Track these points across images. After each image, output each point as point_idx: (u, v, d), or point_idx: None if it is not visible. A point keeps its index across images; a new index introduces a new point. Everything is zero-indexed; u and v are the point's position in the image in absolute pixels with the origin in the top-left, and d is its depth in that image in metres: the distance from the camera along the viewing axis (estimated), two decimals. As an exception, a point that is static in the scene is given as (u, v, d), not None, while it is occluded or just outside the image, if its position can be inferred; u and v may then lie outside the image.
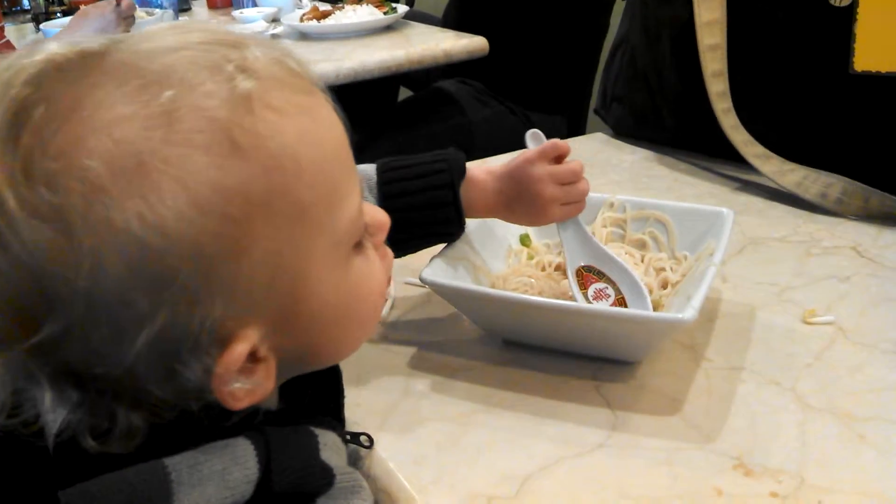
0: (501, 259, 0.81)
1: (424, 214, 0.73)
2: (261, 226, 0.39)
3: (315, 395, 0.53)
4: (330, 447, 0.47)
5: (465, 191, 0.74)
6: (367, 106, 2.02)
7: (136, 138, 0.37)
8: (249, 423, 0.43)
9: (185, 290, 0.38)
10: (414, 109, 1.98)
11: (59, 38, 0.47)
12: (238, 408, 0.41)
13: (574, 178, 0.76)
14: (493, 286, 0.77)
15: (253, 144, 0.39)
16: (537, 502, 0.57)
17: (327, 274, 0.44)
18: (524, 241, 0.84)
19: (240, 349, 0.40)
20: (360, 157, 1.84)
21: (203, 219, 0.37)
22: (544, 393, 0.68)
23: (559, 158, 0.76)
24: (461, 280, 0.73)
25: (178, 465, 0.41)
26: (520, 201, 0.75)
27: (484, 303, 0.72)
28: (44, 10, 2.11)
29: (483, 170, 0.77)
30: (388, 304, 0.82)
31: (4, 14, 2.05)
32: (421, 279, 0.71)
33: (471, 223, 0.80)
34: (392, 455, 0.63)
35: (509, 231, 0.83)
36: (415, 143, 1.83)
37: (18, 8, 2.32)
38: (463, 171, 0.75)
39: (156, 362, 0.39)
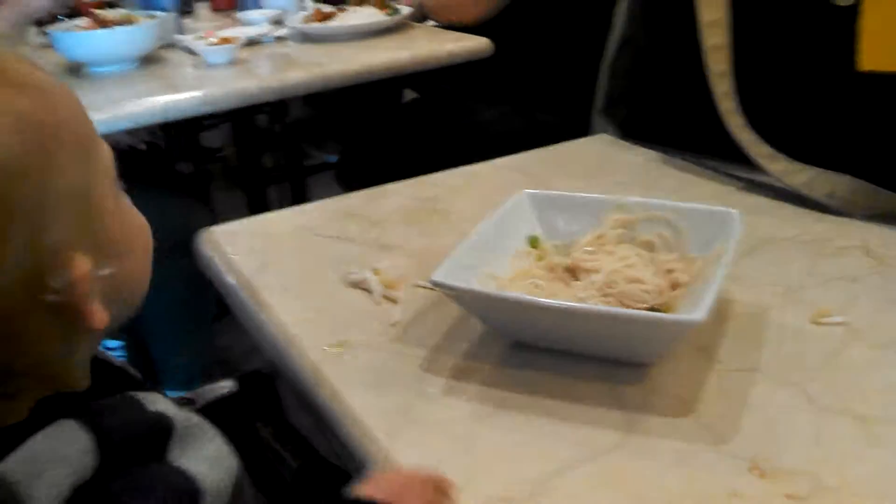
0: (510, 261, 0.81)
1: None
2: (59, 155, 0.46)
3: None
4: (158, 402, 0.50)
5: None
6: (372, 108, 2.03)
7: None
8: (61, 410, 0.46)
9: (25, 214, 0.44)
10: (419, 111, 1.99)
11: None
12: (98, 325, 0.47)
13: None
14: (502, 288, 0.77)
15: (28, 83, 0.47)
16: (552, 505, 0.58)
17: (114, 205, 0.51)
18: (533, 242, 0.84)
19: (83, 266, 0.46)
20: (368, 161, 1.85)
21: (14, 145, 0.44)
22: (557, 395, 0.68)
23: None
24: (471, 282, 0.73)
25: (14, 469, 0.43)
26: None
27: (493, 305, 0.72)
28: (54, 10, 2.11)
29: None
30: (399, 307, 0.82)
31: (8, 18, 2.05)
32: (431, 282, 0.71)
33: (481, 226, 0.80)
34: (406, 458, 0.63)
35: (518, 232, 0.84)
36: (421, 145, 1.83)
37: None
38: None
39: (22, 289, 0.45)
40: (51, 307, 0.46)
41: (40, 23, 2.00)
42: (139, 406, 0.49)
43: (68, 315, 0.46)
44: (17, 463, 0.43)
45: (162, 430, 0.48)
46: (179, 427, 0.49)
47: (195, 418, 0.50)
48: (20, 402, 0.47)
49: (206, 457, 0.48)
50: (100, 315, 0.47)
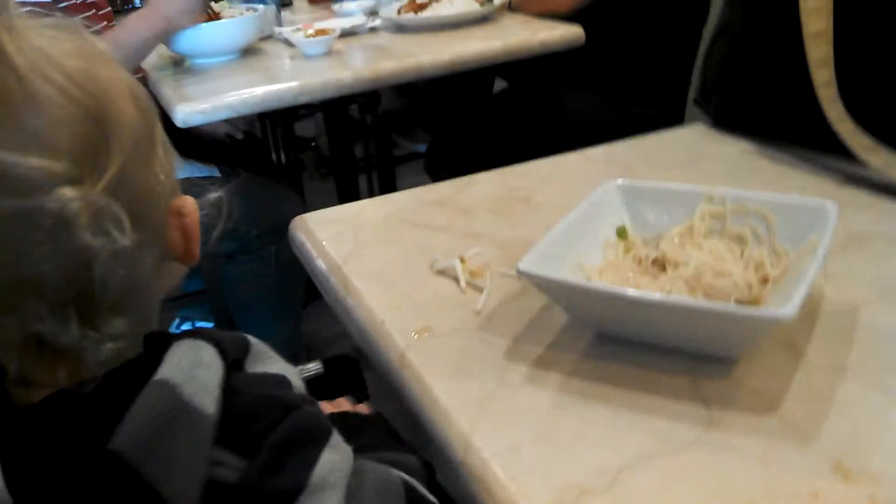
0: (598, 252, 0.81)
1: None
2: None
3: None
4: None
5: None
6: (463, 98, 2.04)
7: None
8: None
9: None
10: (509, 101, 1.99)
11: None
12: (194, 259, 0.61)
13: None
14: (588, 279, 0.78)
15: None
16: (630, 496, 0.58)
17: None
18: (621, 233, 0.84)
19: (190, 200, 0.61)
20: (457, 150, 1.87)
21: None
22: (638, 387, 0.68)
23: None
24: (557, 272, 0.74)
25: (172, 375, 0.52)
26: None
27: (579, 295, 0.73)
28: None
29: None
30: (484, 296, 0.83)
31: (117, 12, 2.15)
32: (517, 271, 0.72)
33: (568, 216, 0.80)
34: (487, 444, 0.64)
35: (606, 223, 0.83)
36: (511, 135, 1.84)
37: (130, 6, 2.43)
38: None
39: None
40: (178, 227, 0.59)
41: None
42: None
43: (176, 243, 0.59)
44: (171, 370, 0.52)
45: (246, 347, 0.59)
46: (253, 348, 0.60)
47: (262, 345, 0.61)
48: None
49: (282, 368, 0.60)
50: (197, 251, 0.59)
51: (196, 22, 1.70)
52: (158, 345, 0.55)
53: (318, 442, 0.56)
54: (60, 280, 0.49)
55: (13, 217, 0.47)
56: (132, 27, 1.63)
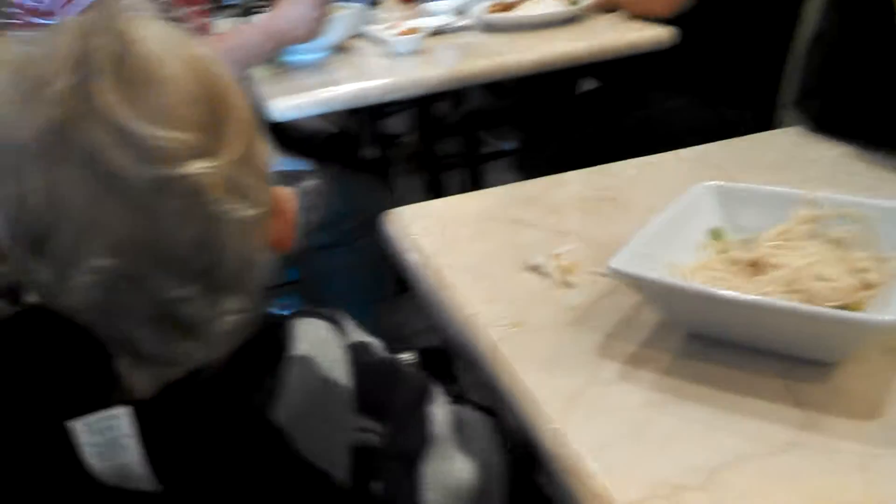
0: (692, 252, 0.81)
1: None
2: None
3: None
4: None
5: None
6: (552, 97, 2.04)
7: None
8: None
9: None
10: (596, 101, 1.98)
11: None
12: (289, 244, 0.61)
13: None
14: (681, 279, 0.77)
15: None
16: (725, 496, 0.58)
17: None
18: (716, 235, 0.83)
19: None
20: (546, 149, 1.86)
21: None
22: (733, 388, 0.68)
23: None
24: (650, 271, 0.74)
25: (307, 349, 0.56)
26: None
27: (672, 295, 0.73)
28: (252, 4, 2.26)
29: None
30: (576, 292, 0.84)
31: (216, 9, 2.21)
32: (609, 269, 0.72)
33: (661, 216, 0.80)
34: (578, 439, 0.65)
35: (699, 224, 0.83)
36: (596, 136, 1.83)
37: (229, 2, 2.49)
38: None
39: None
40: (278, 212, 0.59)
41: (245, 12, 2.15)
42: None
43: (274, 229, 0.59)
44: (306, 346, 0.56)
45: (340, 321, 0.64)
46: (344, 322, 0.65)
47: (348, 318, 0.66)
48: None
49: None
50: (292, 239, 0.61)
51: (311, 39, 1.71)
52: (273, 324, 0.58)
53: (430, 399, 0.61)
54: (191, 249, 0.51)
55: (152, 185, 0.49)
56: (247, 38, 1.65)
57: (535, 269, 0.89)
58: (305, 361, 0.55)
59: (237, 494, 0.53)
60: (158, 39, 0.53)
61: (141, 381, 0.54)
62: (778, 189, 0.84)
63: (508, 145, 2.21)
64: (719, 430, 0.64)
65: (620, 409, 0.68)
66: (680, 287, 0.72)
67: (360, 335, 0.65)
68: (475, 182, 2.29)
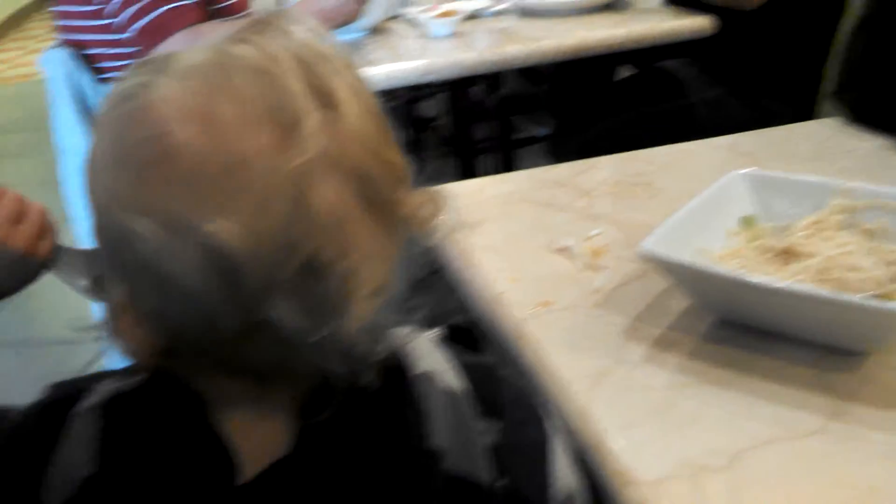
0: (721, 239, 0.81)
1: None
2: None
3: None
4: None
5: None
6: (587, 83, 2.03)
7: None
8: None
9: None
10: (633, 89, 1.97)
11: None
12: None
13: (20, 208, 0.70)
14: (712, 265, 0.77)
15: None
16: (748, 478, 0.58)
17: None
18: (747, 222, 0.83)
19: None
20: (574, 138, 1.85)
21: None
22: (760, 374, 0.68)
23: None
24: (680, 255, 0.74)
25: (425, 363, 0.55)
26: None
27: (703, 279, 0.72)
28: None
29: None
30: (603, 275, 0.84)
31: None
32: (640, 252, 0.72)
33: (693, 202, 0.80)
34: (603, 418, 0.65)
35: (731, 212, 0.83)
36: (633, 124, 1.82)
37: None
38: None
39: None
40: None
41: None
42: None
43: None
44: (420, 359, 0.54)
45: None
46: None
47: None
48: None
49: None
50: None
51: (350, 22, 1.72)
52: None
53: (531, 391, 0.60)
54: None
55: (399, 209, 0.46)
56: None
57: (563, 251, 0.89)
58: (428, 377, 0.53)
59: None
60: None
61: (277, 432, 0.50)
62: (812, 178, 0.83)
63: (542, 131, 2.21)
64: (744, 415, 0.64)
65: (645, 390, 0.68)
66: (710, 272, 0.72)
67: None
68: (507, 167, 2.28)
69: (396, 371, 0.53)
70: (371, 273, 0.45)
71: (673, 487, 0.58)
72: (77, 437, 0.52)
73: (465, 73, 1.70)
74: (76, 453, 0.52)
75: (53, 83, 1.58)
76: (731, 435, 0.62)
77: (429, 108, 2.92)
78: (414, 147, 2.35)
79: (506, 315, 0.81)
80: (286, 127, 0.43)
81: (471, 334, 0.96)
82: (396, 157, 0.47)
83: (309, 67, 0.45)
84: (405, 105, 2.29)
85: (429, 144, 2.69)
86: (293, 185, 0.43)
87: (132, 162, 0.44)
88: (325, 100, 0.45)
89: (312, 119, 0.44)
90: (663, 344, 0.73)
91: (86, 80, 1.57)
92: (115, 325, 0.48)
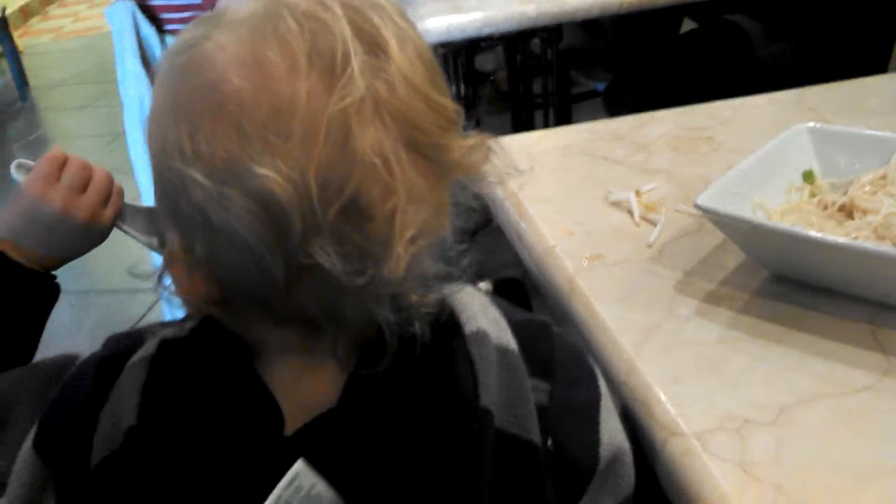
0: (780, 194, 0.80)
1: None
2: None
3: None
4: None
5: None
6: (649, 37, 1.99)
7: None
8: None
9: None
10: (698, 42, 1.92)
11: None
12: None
13: (86, 175, 0.70)
14: (769, 220, 0.76)
15: None
16: (794, 432, 0.58)
17: None
18: (807, 177, 0.81)
19: None
20: (639, 89, 1.81)
21: None
22: (812, 330, 0.67)
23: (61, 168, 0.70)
24: (737, 210, 0.73)
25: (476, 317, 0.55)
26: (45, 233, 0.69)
27: (759, 234, 0.72)
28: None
29: None
30: (657, 229, 0.83)
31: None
32: (696, 205, 0.71)
33: (753, 156, 0.78)
34: (651, 370, 0.65)
35: (791, 166, 0.81)
36: (695, 78, 1.78)
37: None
38: None
39: None
40: None
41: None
42: None
43: None
44: (473, 316, 0.54)
45: None
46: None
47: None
48: None
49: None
50: None
51: None
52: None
53: (584, 352, 0.60)
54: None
55: (448, 152, 0.46)
56: None
57: (617, 204, 0.89)
58: (482, 336, 0.53)
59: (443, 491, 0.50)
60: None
61: (326, 381, 0.51)
62: (876, 133, 0.81)
63: (601, 86, 2.17)
64: (794, 370, 0.63)
65: (695, 344, 0.68)
66: (766, 226, 0.71)
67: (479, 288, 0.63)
68: (564, 122, 2.26)
69: (449, 328, 0.53)
70: (415, 216, 0.45)
71: (718, 440, 0.58)
72: (124, 390, 0.54)
73: (524, 25, 1.68)
74: (122, 405, 0.53)
75: (118, 35, 1.61)
76: (779, 390, 0.61)
77: (486, 61, 2.89)
78: (470, 101, 2.34)
79: (558, 268, 0.81)
80: (332, 70, 0.44)
81: (521, 287, 0.97)
82: (446, 101, 0.47)
83: (357, 13, 0.45)
84: (462, 58, 2.27)
85: (485, 99, 2.68)
86: (338, 126, 0.43)
87: (186, 111, 0.45)
88: (373, 44, 0.45)
89: (358, 62, 0.44)
90: (715, 298, 0.73)
91: (149, 32, 1.60)
92: (169, 274, 0.49)
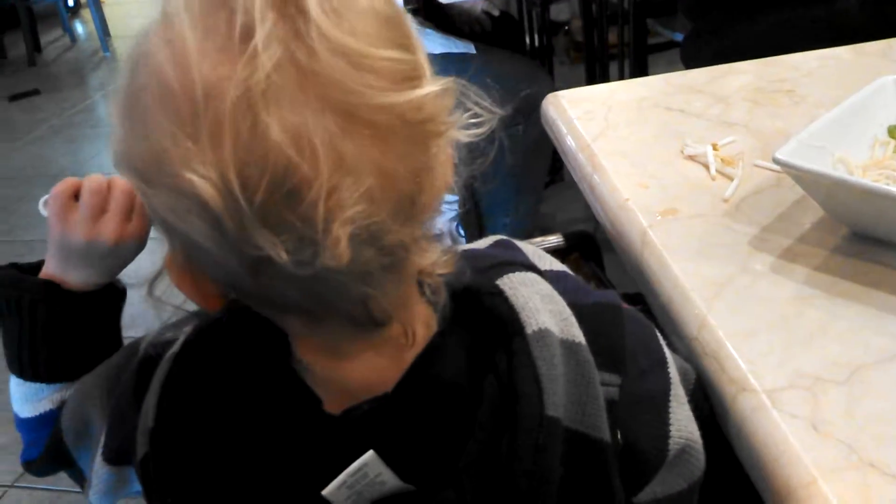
0: (864, 149, 0.77)
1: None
2: None
3: None
4: None
5: None
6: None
7: None
8: None
9: None
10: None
11: None
12: None
13: (101, 197, 0.68)
14: (851, 175, 0.74)
15: None
16: (866, 392, 0.57)
17: None
18: (892, 132, 0.78)
19: None
20: (711, 44, 1.74)
21: None
22: (891, 290, 0.66)
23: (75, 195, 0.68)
24: (818, 165, 0.71)
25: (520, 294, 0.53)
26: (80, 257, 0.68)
27: (839, 190, 0.70)
28: None
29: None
30: (734, 184, 0.82)
31: None
32: (774, 159, 0.70)
33: (836, 109, 0.76)
34: (723, 325, 0.65)
35: (876, 120, 0.79)
36: (778, 29, 1.72)
37: None
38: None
39: None
40: None
41: None
42: None
43: None
44: (533, 314, 0.52)
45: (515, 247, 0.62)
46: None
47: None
48: None
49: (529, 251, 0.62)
50: None
51: None
52: (487, 293, 0.53)
53: (657, 335, 0.58)
54: (412, 185, 0.44)
55: (393, 112, 0.42)
56: None
57: (693, 157, 0.88)
58: (545, 335, 0.50)
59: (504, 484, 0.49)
60: None
61: (376, 367, 0.50)
62: (971, 86, 0.78)
63: (679, 36, 2.12)
64: (869, 329, 0.62)
65: (769, 301, 0.67)
66: (847, 182, 0.69)
67: (545, 259, 0.60)
68: (640, 74, 2.22)
69: (509, 329, 0.51)
70: (353, 192, 0.40)
71: (788, 397, 0.58)
72: (151, 390, 0.55)
73: (601, -27, 1.65)
74: (148, 407, 0.55)
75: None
76: (854, 349, 0.61)
77: (560, 11, 2.84)
78: (544, 52, 2.30)
79: (631, 221, 0.81)
80: (237, 42, 0.38)
81: (592, 242, 0.97)
82: (393, 53, 0.41)
83: None
84: (537, 8, 2.24)
85: (559, 50, 2.64)
86: (241, 115, 0.38)
87: (118, 110, 0.43)
88: (287, 3, 0.39)
89: (264, 32, 0.38)
90: (791, 255, 0.71)
91: None
92: (173, 280, 0.47)
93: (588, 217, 0.94)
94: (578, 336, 0.52)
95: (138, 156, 0.42)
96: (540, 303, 0.52)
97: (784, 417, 0.57)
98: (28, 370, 0.69)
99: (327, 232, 0.40)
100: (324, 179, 0.39)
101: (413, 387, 0.50)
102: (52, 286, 0.68)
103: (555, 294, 0.54)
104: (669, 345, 0.60)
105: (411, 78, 0.42)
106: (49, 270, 0.69)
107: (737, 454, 0.60)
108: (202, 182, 0.39)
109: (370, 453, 0.49)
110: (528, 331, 0.51)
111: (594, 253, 0.97)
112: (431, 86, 0.43)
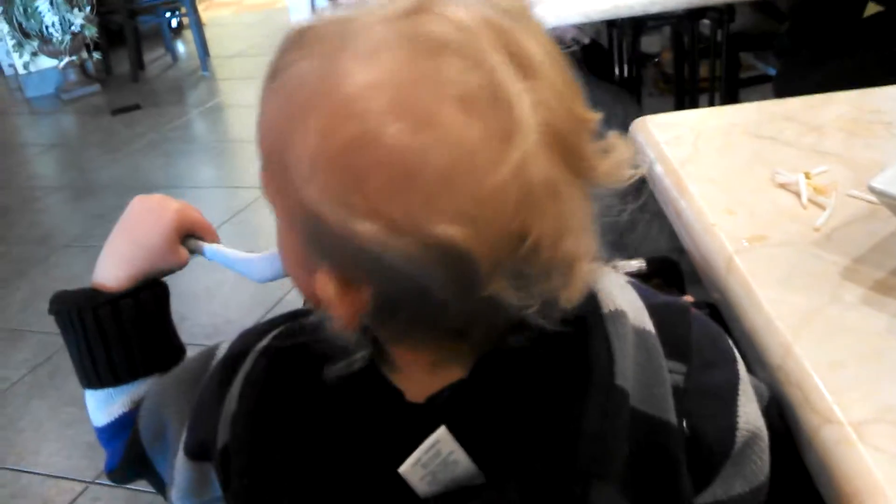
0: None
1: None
2: None
3: None
4: None
5: None
6: (829, 20, 1.89)
7: None
8: None
9: None
10: (879, 27, 1.81)
11: None
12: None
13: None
14: (950, 209, 0.71)
15: None
16: (963, 430, 0.55)
17: None
18: None
19: None
20: (806, 78, 1.72)
21: None
22: None
23: None
24: (915, 196, 0.69)
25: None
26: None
27: (938, 223, 0.68)
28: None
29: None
30: (826, 213, 0.80)
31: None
32: (869, 187, 0.68)
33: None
34: (809, 355, 0.63)
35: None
36: (875, 65, 1.68)
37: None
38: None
39: None
40: None
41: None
42: None
43: None
44: (610, 296, 0.53)
45: None
46: None
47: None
48: None
49: None
50: None
51: None
52: None
53: (724, 335, 0.59)
54: None
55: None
56: None
57: (784, 185, 0.86)
58: (619, 316, 0.52)
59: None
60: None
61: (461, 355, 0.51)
62: None
63: (773, 70, 2.08)
64: (970, 367, 0.60)
65: (858, 333, 0.65)
66: (947, 213, 0.66)
67: (619, 269, 0.64)
68: (731, 107, 2.19)
69: (586, 306, 0.51)
70: (587, 243, 0.44)
71: (874, 431, 0.56)
72: (235, 384, 0.57)
73: (695, 4, 1.64)
74: (232, 395, 0.57)
75: (294, 10, 1.69)
76: (950, 385, 0.58)
77: (651, 43, 2.83)
78: (632, 82, 2.29)
79: (717, 246, 0.79)
80: (498, 111, 0.41)
81: (675, 268, 0.95)
82: (587, 110, 0.44)
83: (502, 32, 0.42)
84: (628, 38, 2.23)
85: (648, 81, 2.62)
86: (518, 173, 0.41)
87: (345, 164, 0.42)
88: (525, 67, 0.42)
89: (524, 99, 0.41)
90: (884, 288, 0.69)
91: (323, 5, 1.67)
92: (318, 304, 0.48)
93: (674, 249, 0.92)
94: (648, 325, 0.54)
95: (375, 207, 0.42)
96: (617, 290, 0.54)
97: (870, 451, 0.55)
98: (93, 377, 0.72)
99: (571, 277, 0.44)
100: (570, 233, 0.44)
101: (487, 370, 0.50)
102: (92, 292, 0.71)
103: (628, 286, 0.56)
104: (748, 370, 0.59)
105: (595, 129, 0.46)
106: (98, 280, 0.72)
107: (817, 486, 0.58)
108: (463, 238, 0.41)
109: (441, 429, 0.49)
110: (605, 310, 0.52)
111: (677, 280, 0.95)
112: (625, 150, 0.47)
